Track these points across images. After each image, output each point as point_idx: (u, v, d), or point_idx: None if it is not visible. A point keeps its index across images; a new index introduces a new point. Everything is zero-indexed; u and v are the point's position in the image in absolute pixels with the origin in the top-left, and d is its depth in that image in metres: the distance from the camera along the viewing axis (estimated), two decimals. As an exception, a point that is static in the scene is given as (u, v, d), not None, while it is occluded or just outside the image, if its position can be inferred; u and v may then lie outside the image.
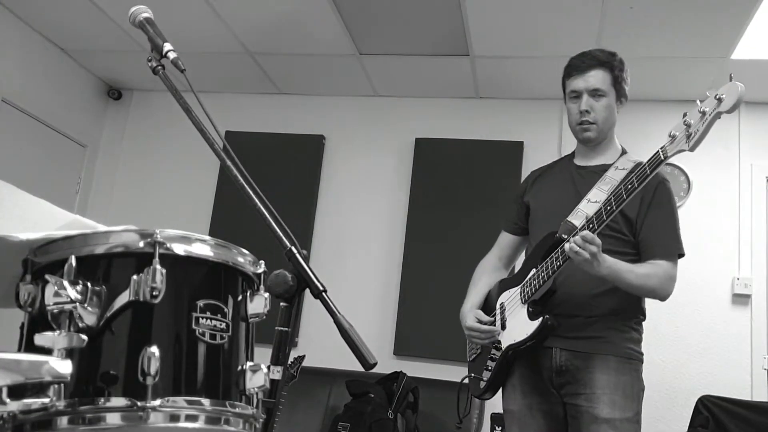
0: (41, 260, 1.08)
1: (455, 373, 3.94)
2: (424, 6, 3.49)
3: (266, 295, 1.17)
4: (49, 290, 1.00)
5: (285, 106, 4.71)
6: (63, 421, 0.97)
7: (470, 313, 2.31)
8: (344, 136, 4.60)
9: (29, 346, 1.01)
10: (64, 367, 0.95)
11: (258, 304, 1.16)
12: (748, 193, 4.00)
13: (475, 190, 4.25)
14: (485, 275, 2.43)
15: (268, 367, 1.16)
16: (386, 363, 4.03)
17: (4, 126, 4.02)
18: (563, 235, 2.07)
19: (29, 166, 4.19)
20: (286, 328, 1.22)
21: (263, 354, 1.15)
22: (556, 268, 2.04)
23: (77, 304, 0.99)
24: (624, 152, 2.27)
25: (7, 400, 0.91)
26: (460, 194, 4.27)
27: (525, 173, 4.13)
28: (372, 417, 3.48)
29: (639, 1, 3.29)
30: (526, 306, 2.14)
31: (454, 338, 4.03)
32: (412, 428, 3.60)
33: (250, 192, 1.28)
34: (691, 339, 3.87)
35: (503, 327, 2.21)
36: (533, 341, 2.08)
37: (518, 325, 2.15)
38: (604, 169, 2.21)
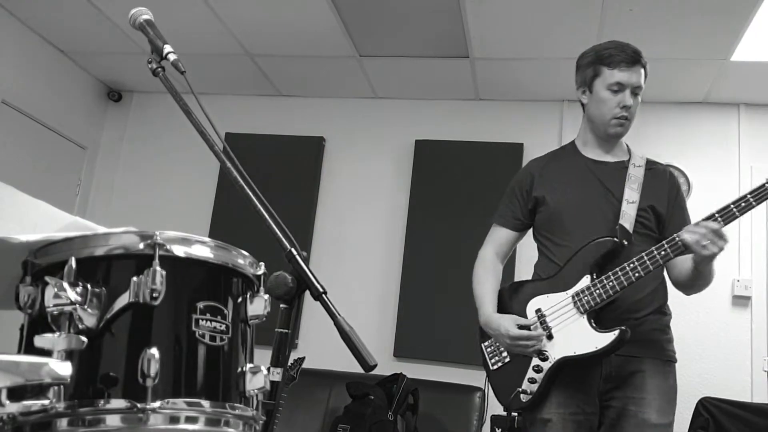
0: (41, 262, 1.08)
1: (455, 374, 3.95)
2: (424, 8, 3.49)
3: (266, 296, 1.17)
4: (49, 292, 1.00)
5: (285, 108, 4.71)
6: (63, 423, 0.97)
7: (507, 320, 2.11)
8: (344, 138, 4.60)
9: (29, 348, 1.01)
10: (64, 369, 0.95)
11: (258, 305, 1.16)
12: (747, 195, 4.00)
13: (475, 192, 4.25)
14: (489, 274, 2.30)
15: (268, 369, 1.16)
16: (386, 365, 4.03)
17: (3, 128, 4.02)
18: (624, 242, 2.02)
19: (29, 167, 4.19)
20: (286, 330, 1.22)
21: (263, 356, 1.15)
22: (634, 279, 1.97)
23: (77, 305, 0.99)
24: (629, 148, 2.27)
25: (7, 402, 0.91)
26: (460, 196, 4.27)
27: (525, 175, 4.14)
28: (372, 419, 3.48)
29: (638, 3, 3.29)
30: (585, 316, 2.02)
31: (454, 340, 4.05)
32: (411, 430, 3.60)
33: (250, 194, 1.27)
34: (691, 341, 3.87)
35: (549, 336, 2.06)
36: (607, 353, 1.97)
37: (575, 336, 2.02)
38: (624, 165, 2.19)
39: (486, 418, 3.71)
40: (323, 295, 1.20)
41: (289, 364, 3.01)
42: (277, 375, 1.19)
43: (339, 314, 1.19)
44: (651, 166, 2.21)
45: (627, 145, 2.27)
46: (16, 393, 0.92)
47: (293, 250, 1.22)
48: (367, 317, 4.21)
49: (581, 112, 2.28)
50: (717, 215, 1.92)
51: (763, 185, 1.91)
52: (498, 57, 3.92)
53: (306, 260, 1.23)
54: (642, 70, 2.14)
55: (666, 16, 3.36)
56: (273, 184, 4.19)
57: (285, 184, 4.39)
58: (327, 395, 3.86)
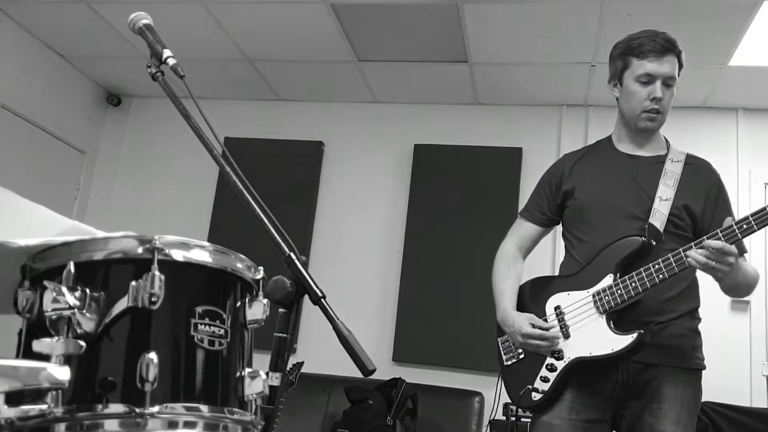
0: (40, 266, 1.08)
1: (454, 379, 3.95)
2: (423, 13, 3.50)
3: (265, 301, 1.16)
4: (48, 296, 1.00)
5: (284, 113, 4.72)
6: (61, 428, 0.97)
7: (521, 317, 2.04)
8: (343, 143, 4.60)
9: (27, 353, 1.01)
10: (62, 374, 0.95)
11: (257, 310, 1.15)
12: (746, 199, 4.00)
13: (474, 196, 4.25)
14: (510, 270, 2.19)
15: (267, 374, 1.16)
16: (385, 369, 4.02)
17: (3, 132, 4.02)
18: (652, 241, 1.93)
19: (28, 172, 4.19)
20: (285, 335, 1.22)
21: (262, 360, 1.14)
22: (657, 281, 1.87)
23: (76, 310, 0.99)
24: (668, 142, 2.15)
25: (5, 407, 0.91)
26: (459, 201, 4.28)
27: (524, 179, 4.15)
28: (371, 423, 3.47)
29: (637, 9, 3.30)
30: (604, 317, 1.94)
31: (453, 344, 4.05)
32: (410, 435, 3.59)
33: (249, 198, 1.27)
34: (690, 345, 3.87)
35: (566, 335, 1.98)
36: (623, 356, 1.89)
37: (592, 337, 1.94)
38: (660, 160, 2.08)
39: (485, 422, 3.71)
40: (322, 300, 1.19)
41: (287, 368, 3.00)
42: (275, 379, 1.19)
43: (338, 319, 1.18)
44: (691, 162, 2.09)
45: (666, 139, 2.16)
46: (14, 398, 0.92)
47: (292, 254, 1.22)
48: (366, 322, 4.21)
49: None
50: (720, 234, 1.83)
51: (764, 209, 1.81)
52: (497, 62, 3.93)
53: (305, 265, 1.23)
54: (674, 59, 2.03)
55: (664, 21, 3.36)
56: (272, 189, 4.18)
57: (284, 188, 4.39)
58: (326, 400, 3.86)
